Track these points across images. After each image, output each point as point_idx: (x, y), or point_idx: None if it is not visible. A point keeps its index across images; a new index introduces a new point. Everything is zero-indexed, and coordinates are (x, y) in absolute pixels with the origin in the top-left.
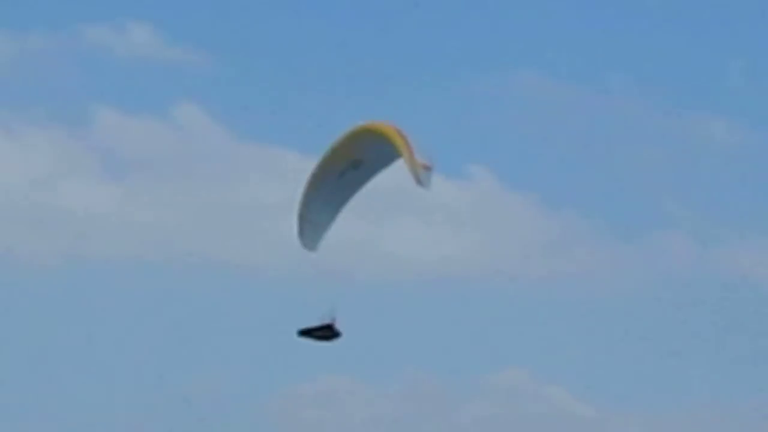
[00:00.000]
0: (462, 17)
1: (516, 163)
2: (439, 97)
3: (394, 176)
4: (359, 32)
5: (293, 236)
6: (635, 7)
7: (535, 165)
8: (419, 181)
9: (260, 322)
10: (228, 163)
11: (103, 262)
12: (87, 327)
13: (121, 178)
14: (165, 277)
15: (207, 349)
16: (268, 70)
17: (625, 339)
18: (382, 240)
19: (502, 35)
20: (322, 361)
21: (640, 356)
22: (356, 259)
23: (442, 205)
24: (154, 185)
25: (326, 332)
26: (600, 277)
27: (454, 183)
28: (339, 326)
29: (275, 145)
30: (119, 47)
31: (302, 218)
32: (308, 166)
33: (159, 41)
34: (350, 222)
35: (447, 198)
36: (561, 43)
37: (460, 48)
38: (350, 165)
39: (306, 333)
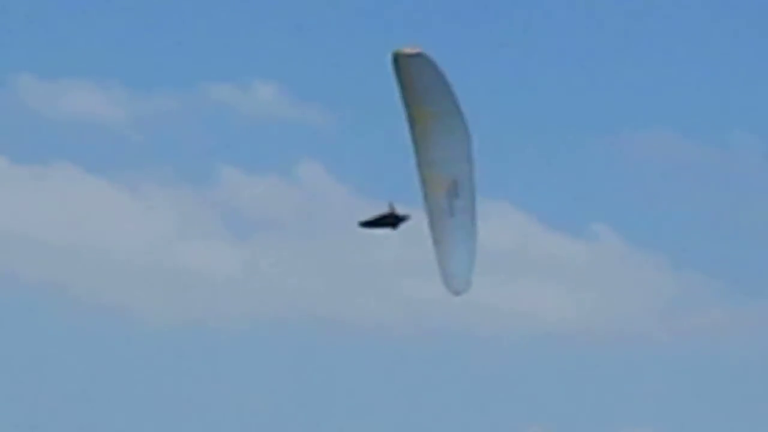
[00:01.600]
0: (586, 78)
1: (640, 221)
2: (563, 155)
3: (517, 238)
4: (482, 94)
5: (419, 294)
6: (756, 63)
7: (660, 224)
8: (407, 54)
9: (381, 381)
10: (352, 221)
11: (227, 323)
12: (211, 390)
13: (244, 238)
14: (290, 337)
15: (333, 410)
16: (391, 127)
17: (750, 399)
18: (507, 299)
19: (627, 94)
20: (441, 419)
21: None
22: (481, 318)
23: (567, 263)
24: (278, 244)
25: (390, 219)
26: (725, 337)
27: (579, 242)
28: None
29: (399, 204)
30: (244, 106)
31: (449, 275)
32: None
33: (283, 99)
34: (477, 282)
35: (571, 257)
36: (684, 100)
37: (584, 107)
38: (452, 195)
39: (370, 224)
